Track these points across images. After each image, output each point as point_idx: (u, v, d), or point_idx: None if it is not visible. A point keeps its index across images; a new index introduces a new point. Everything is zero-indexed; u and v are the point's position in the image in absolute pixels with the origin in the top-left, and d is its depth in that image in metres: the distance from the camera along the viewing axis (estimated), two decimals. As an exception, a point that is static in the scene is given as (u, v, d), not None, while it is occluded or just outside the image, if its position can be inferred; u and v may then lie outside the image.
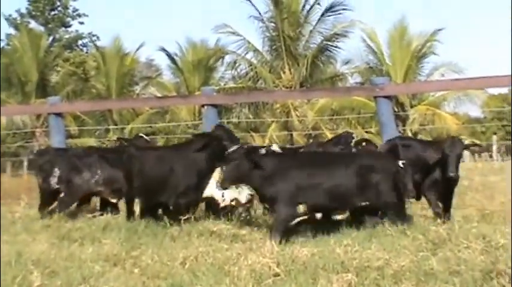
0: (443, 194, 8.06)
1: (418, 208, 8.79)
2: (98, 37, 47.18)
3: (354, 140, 8.46)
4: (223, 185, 7.43)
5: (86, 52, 45.63)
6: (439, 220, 7.49)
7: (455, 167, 7.74)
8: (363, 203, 7.17)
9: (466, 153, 34.06)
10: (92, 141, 29.83)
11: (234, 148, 7.51)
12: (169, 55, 37.60)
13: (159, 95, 35.19)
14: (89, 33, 47.76)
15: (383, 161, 7.37)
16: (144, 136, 10.42)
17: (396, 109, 29.24)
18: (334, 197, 7.12)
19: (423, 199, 8.43)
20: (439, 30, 33.91)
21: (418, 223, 7.39)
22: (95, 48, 41.60)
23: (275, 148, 8.60)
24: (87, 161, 9.29)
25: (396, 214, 7.12)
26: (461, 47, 75.21)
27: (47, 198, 9.47)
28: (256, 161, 7.13)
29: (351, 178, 7.09)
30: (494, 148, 28.20)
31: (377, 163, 7.26)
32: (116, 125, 34.11)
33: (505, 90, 55.90)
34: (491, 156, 32.49)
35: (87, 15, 48.86)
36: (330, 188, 7.09)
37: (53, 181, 9.43)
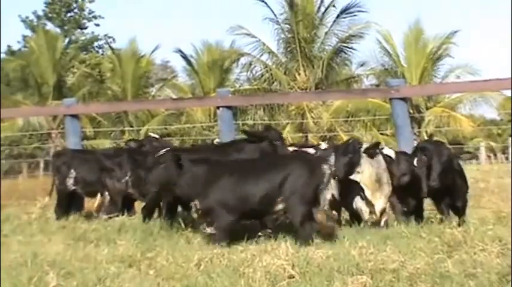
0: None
1: (435, 211, 8.76)
2: (113, 39, 47.46)
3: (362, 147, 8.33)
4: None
5: (102, 54, 45.87)
6: (454, 222, 7.46)
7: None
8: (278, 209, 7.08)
9: (482, 155, 34.00)
10: (107, 143, 29.97)
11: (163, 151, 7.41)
12: (184, 57, 37.73)
13: (174, 96, 35.29)
14: (105, 35, 48.05)
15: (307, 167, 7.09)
16: (155, 135, 10.37)
17: (412, 111, 29.14)
18: (257, 204, 7.03)
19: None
20: (455, 32, 33.85)
21: (433, 225, 7.36)
22: (111, 50, 41.80)
23: (323, 146, 8.47)
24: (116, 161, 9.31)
25: (301, 222, 6.89)
26: (477, 49, 74.84)
27: (64, 199, 9.51)
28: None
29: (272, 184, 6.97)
30: (510, 150, 28.03)
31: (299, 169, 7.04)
32: (132, 126, 34.25)
33: (521, 92, 55.60)
34: (507, 158, 32.32)
35: (103, 17, 49.19)
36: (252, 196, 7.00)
37: (70, 182, 9.50)
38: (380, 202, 7.70)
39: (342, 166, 7.48)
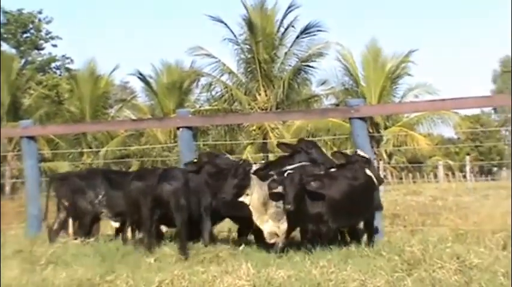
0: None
1: (394, 229, 8.82)
2: (71, 60, 47.07)
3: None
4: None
5: (60, 75, 45.42)
6: (413, 241, 7.51)
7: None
8: None
9: (440, 173, 34.43)
10: (65, 165, 29.60)
11: None
12: (143, 78, 37.60)
13: (134, 117, 35.09)
14: (63, 56, 47.61)
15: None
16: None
17: (371, 130, 29.42)
18: None
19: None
20: (413, 51, 34.35)
21: (393, 244, 7.40)
22: (68, 71, 41.43)
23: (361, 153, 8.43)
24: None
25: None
26: (434, 68, 76.05)
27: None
28: None
29: None
30: (468, 168, 28.45)
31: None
32: (91, 148, 33.92)
33: (477, 111, 56.65)
34: (464, 176, 32.76)
35: (60, 38, 48.73)
36: None
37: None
38: (268, 225, 7.57)
39: (230, 188, 7.49)
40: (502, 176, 43.27)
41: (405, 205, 12.49)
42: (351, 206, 7.40)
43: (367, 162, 7.88)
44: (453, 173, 41.06)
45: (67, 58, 47.31)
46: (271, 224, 7.55)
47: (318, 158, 8.19)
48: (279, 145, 8.79)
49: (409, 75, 34.94)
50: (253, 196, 7.49)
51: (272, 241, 7.56)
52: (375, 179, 7.79)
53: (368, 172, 7.76)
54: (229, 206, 7.83)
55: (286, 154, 8.29)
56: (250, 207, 7.51)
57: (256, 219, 7.57)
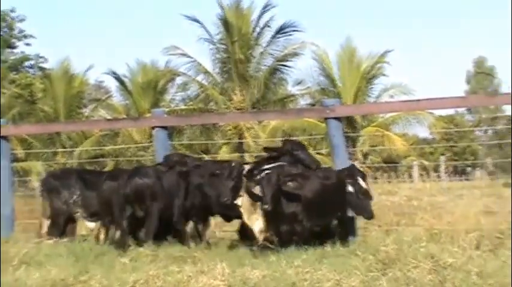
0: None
1: (370, 229, 8.85)
2: (45, 59, 46.58)
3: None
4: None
5: (33, 74, 44.95)
6: (388, 240, 7.54)
7: None
8: None
9: (415, 173, 34.62)
10: (39, 165, 29.32)
11: None
12: (117, 78, 37.36)
13: (108, 117, 34.87)
14: (36, 55, 47.12)
15: None
16: None
17: (347, 130, 29.50)
18: None
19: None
20: (388, 51, 34.50)
21: (368, 243, 7.43)
22: (42, 70, 41.05)
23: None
24: None
25: None
26: (410, 69, 76.52)
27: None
28: None
29: None
30: (442, 168, 28.65)
31: None
32: (65, 148, 33.64)
33: (451, 111, 57.11)
34: (439, 176, 32.98)
35: (34, 37, 48.20)
36: None
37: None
38: (258, 223, 7.61)
39: (228, 190, 7.49)
40: (476, 176, 43.61)
41: (380, 204, 12.50)
42: (324, 205, 7.43)
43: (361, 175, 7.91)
44: (428, 173, 41.26)
45: (41, 57, 46.77)
46: (261, 222, 7.58)
47: (305, 158, 8.20)
48: (265, 149, 8.77)
49: (384, 75, 35.09)
50: (244, 197, 7.55)
51: (262, 236, 7.63)
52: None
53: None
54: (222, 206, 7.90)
55: (272, 154, 8.25)
56: (241, 208, 7.52)
57: (247, 219, 7.60)
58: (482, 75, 56.91)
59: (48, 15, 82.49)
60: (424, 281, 5.69)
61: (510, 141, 26.92)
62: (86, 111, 39.60)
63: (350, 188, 7.65)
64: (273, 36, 32.35)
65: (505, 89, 41.03)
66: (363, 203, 7.69)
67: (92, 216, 8.96)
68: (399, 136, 34.70)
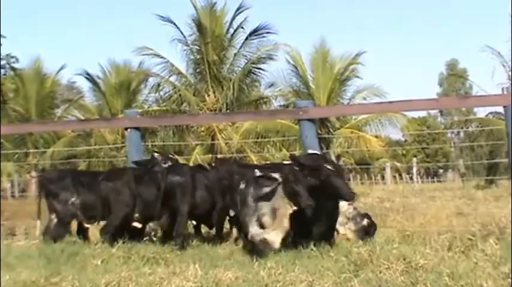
0: None
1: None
2: (16, 59, 46.05)
3: None
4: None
5: (4, 74, 44.45)
6: (360, 242, 7.57)
7: None
8: None
9: (388, 175, 34.84)
10: (9, 166, 29.03)
11: None
12: (90, 78, 37.12)
13: (81, 117, 34.64)
14: (7, 55, 46.56)
15: None
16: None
17: (320, 131, 29.60)
18: None
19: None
20: (361, 53, 34.66)
21: (341, 245, 7.46)
22: (13, 70, 40.61)
23: None
24: None
25: None
26: (383, 71, 77.04)
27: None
28: None
29: None
30: (414, 170, 28.88)
31: None
32: (37, 148, 33.35)
33: (424, 113, 57.62)
34: (411, 178, 33.24)
35: (5, 37, 47.61)
36: None
37: None
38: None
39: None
40: (448, 178, 44.04)
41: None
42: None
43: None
44: (400, 175, 41.64)
45: (12, 57, 46.19)
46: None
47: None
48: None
49: (358, 77, 35.25)
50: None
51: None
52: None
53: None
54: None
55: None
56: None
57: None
58: (454, 78, 57.44)
59: (19, 15, 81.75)
60: (396, 282, 5.71)
61: (482, 143, 27.17)
62: (58, 111, 39.33)
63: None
64: (247, 38, 32.35)
65: (476, 91, 41.43)
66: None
67: (90, 218, 8.88)
68: (374, 137, 34.89)
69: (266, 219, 7.24)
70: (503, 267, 5.93)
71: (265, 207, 7.25)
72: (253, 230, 7.28)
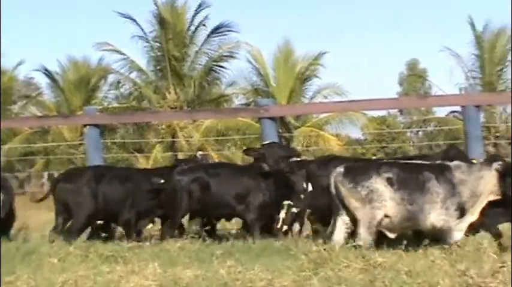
0: None
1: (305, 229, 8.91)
2: (-29, 54, 45.32)
3: None
4: None
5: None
6: (320, 240, 7.60)
7: None
8: None
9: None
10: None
11: None
12: (48, 74, 36.57)
13: (39, 114, 34.14)
14: (-39, 49, 45.80)
15: None
16: None
17: (281, 130, 29.66)
18: None
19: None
20: (323, 53, 34.80)
21: (301, 243, 7.47)
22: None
23: None
24: None
25: None
26: (344, 70, 77.55)
27: None
28: None
29: None
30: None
31: None
32: (-8, 144, 32.77)
33: (384, 113, 58.11)
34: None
35: (-39, 32, 46.87)
36: None
37: None
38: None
39: None
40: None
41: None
42: None
43: None
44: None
45: (-33, 52, 45.54)
46: None
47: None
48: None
49: (318, 77, 35.38)
50: None
51: None
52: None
53: None
54: None
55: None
56: None
57: None
58: (414, 78, 58.04)
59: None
60: (354, 280, 5.75)
61: (440, 142, 27.52)
62: (15, 108, 38.66)
63: None
64: (208, 36, 32.27)
65: (435, 91, 41.93)
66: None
67: None
68: (333, 136, 35.07)
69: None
70: (459, 265, 6.01)
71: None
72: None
